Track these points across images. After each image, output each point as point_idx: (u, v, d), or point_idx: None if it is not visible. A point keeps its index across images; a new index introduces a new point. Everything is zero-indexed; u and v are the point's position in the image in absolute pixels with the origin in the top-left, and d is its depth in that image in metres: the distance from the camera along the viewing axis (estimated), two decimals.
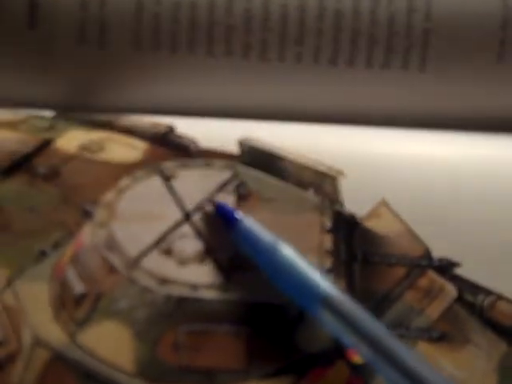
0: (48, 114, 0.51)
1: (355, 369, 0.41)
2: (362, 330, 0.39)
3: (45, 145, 0.49)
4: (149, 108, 0.53)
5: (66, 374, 0.39)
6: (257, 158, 0.49)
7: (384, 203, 0.47)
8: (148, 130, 0.50)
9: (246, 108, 0.53)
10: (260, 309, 0.41)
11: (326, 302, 0.40)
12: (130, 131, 0.51)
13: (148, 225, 0.43)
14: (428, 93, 0.52)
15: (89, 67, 0.52)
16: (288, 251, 0.41)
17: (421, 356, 0.42)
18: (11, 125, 0.50)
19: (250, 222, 0.43)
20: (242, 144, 0.50)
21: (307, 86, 0.52)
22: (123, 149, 0.49)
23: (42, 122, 0.50)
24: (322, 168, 0.48)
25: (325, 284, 0.40)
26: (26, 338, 0.40)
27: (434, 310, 0.43)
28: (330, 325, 0.40)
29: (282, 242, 0.42)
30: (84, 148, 0.49)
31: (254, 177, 0.48)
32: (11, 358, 0.39)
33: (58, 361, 0.39)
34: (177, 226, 0.44)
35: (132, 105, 0.53)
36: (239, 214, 0.43)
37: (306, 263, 0.41)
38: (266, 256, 0.42)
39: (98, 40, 0.51)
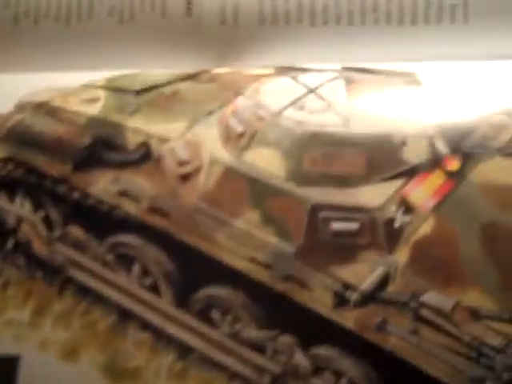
0: None
1: (449, 174, 0.46)
2: None
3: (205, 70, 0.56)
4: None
5: (236, 180, 0.46)
6: (354, 69, 0.56)
7: None
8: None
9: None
10: (372, 137, 0.47)
11: None
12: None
13: (283, 95, 0.50)
14: None
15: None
16: None
17: None
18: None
19: None
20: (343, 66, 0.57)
21: (381, 42, 0.59)
22: (260, 70, 0.56)
23: None
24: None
25: None
26: (206, 158, 0.47)
27: (504, 137, 0.49)
28: None
29: None
30: (232, 70, 0.56)
31: (354, 74, 0.54)
32: (196, 171, 0.47)
33: (230, 172, 0.46)
34: (304, 95, 0.50)
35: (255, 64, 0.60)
36: None
37: None
38: None
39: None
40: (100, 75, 0.55)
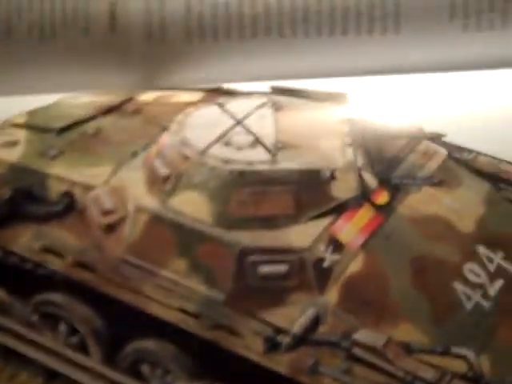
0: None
1: (378, 208, 0.46)
2: None
3: (130, 98, 0.54)
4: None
5: (162, 228, 0.44)
6: (283, 91, 0.54)
7: None
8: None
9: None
10: (300, 173, 0.46)
11: None
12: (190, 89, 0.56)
13: (210, 129, 0.49)
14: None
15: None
16: None
17: None
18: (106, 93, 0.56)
19: None
20: (273, 87, 0.55)
21: (312, 55, 0.57)
22: (187, 95, 0.54)
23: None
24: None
25: None
26: (130, 207, 0.45)
27: (432, 165, 0.48)
28: None
29: None
30: (158, 97, 0.54)
31: (283, 99, 0.53)
32: (121, 221, 0.45)
33: (155, 219, 0.45)
34: (231, 128, 0.49)
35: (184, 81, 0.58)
36: None
37: None
38: None
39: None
40: (20, 101, 0.53)
